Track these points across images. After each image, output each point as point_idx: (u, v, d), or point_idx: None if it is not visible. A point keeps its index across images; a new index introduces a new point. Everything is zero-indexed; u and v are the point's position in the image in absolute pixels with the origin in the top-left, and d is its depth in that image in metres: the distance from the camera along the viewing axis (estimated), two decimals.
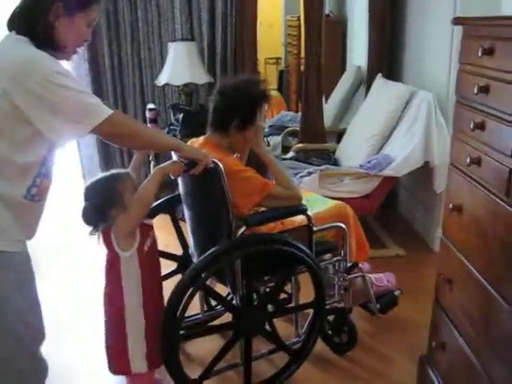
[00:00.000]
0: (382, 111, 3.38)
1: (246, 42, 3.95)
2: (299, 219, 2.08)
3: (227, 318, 2.26)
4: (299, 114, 4.62)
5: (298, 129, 4.24)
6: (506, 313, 1.40)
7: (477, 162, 1.56)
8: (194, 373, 1.98)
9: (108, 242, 1.82)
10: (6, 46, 1.52)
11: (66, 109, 1.45)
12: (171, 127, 4.03)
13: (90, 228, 1.81)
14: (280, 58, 8.04)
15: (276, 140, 4.33)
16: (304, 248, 1.97)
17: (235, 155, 2.10)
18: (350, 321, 2.33)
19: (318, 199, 2.38)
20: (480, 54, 1.48)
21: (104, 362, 1.98)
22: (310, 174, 3.11)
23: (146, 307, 1.85)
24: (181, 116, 3.96)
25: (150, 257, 1.89)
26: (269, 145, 4.05)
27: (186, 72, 3.93)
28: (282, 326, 2.37)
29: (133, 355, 1.85)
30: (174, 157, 1.96)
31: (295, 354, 2.13)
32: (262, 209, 2.02)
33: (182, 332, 1.96)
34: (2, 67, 1.43)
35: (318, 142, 3.93)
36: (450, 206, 1.72)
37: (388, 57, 3.98)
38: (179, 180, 2.14)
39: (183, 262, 2.40)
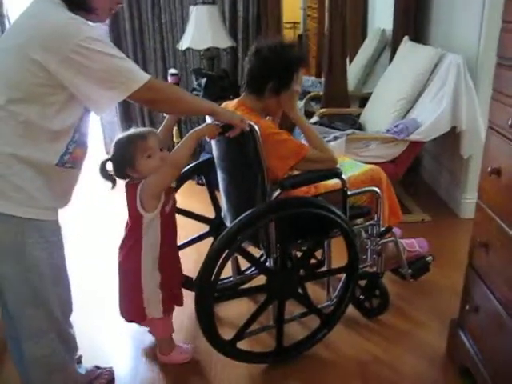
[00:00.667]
0: (409, 75, 3.31)
1: (270, 4, 3.88)
2: (332, 183, 2.07)
3: (258, 282, 2.29)
4: (321, 78, 4.56)
5: (320, 93, 4.19)
6: None
7: None
8: (226, 335, 2.01)
9: (132, 199, 1.84)
10: (38, 9, 1.49)
11: (102, 75, 1.44)
12: (193, 92, 4.00)
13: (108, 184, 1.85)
14: (298, 23, 7.88)
15: (298, 105, 4.28)
16: (338, 212, 1.96)
17: (268, 118, 2.08)
18: (382, 285, 2.34)
19: (351, 163, 2.36)
20: None
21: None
22: (336, 138, 3.07)
23: (162, 265, 1.93)
24: (203, 81, 3.93)
25: (170, 218, 1.95)
26: None
27: (208, 36, 3.90)
28: (314, 290, 2.40)
29: (148, 304, 1.95)
30: (209, 119, 1.95)
31: (327, 318, 2.15)
32: (296, 172, 2.00)
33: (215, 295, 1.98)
34: (34, 33, 1.41)
35: (341, 107, 3.88)
36: (488, 169, 1.70)
37: (414, 19, 3.88)
38: (212, 143, 2.14)
39: (215, 225, 2.43)
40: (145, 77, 1.52)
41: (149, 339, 2.28)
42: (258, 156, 1.86)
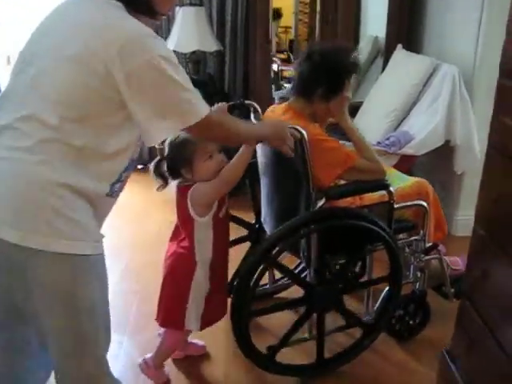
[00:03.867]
0: (402, 85, 3.20)
1: (259, 8, 3.74)
2: (378, 195, 1.98)
3: (295, 289, 2.19)
4: None
5: None
6: None
7: None
8: (264, 343, 1.95)
9: (183, 201, 1.81)
10: (97, 12, 1.28)
11: (161, 100, 1.28)
12: None
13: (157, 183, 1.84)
14: (290, 27, 7.80)
15: None
16: (384, 225, 1.86)
17: (315, 124, 1.96)
18: (427, 304, 2.24)
19: (397, 175, 2.26)
20: None
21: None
22: None
23: (213, 271, 1.88)
24: None
25: (223, 223, 1.91)
26: None
27: (194, 39, 3.76)
28: (350, 304, 2.25)
29: (189, 314, 1.88)
30: None
31: (368, 328, 2.06)
32: (342, 182, 1.92)
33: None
34: (100, 40, 1.22)
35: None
36: (489, 192, 1.57)
37: (408, 26, 3.75)
38: (258, 149, 2.07)
39: (254, 230, 2.38)
40: (202, 112, 1.35)
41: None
42: (305, 163, 1.78)
